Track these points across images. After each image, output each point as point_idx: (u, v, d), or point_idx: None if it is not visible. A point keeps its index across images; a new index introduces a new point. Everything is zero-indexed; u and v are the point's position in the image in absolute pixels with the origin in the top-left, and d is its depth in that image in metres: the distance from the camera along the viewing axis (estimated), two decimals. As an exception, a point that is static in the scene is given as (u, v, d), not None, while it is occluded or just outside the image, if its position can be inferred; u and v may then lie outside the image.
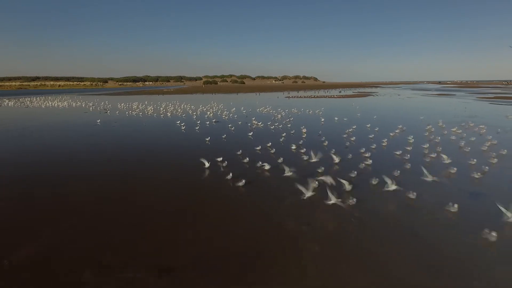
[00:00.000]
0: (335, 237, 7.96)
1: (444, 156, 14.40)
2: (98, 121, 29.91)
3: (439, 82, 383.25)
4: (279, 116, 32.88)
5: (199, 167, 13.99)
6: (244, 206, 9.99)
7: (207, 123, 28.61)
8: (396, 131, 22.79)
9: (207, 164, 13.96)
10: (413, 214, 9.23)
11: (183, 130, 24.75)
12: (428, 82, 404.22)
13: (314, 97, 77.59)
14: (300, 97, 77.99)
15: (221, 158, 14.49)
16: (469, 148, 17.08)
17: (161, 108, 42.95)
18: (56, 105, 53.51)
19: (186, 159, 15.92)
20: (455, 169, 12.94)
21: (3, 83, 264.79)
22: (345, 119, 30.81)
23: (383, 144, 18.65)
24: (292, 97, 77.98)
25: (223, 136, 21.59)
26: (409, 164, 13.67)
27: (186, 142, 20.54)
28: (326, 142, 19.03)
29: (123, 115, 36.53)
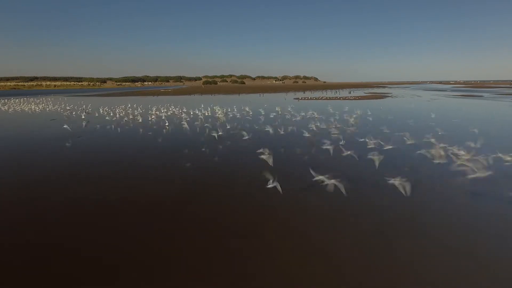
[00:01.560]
0: None
1: None
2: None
3: (441, 82, 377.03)
4: (331, 129, 22.40)
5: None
6: None
7: (210, 137, 20.16)
8: None
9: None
10: None
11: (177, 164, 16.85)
12: (431, 82, 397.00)
13: (325, 98, 69.59)
14: (310, 98, 69.97)
15: None
16: None
17: (151, 113, 34.84)
18: (28, 109, 45.49)
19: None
20: None
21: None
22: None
23: None
24: (301, 98, 69.94)
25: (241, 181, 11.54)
26: None
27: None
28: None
29: (99, 124, 28.68)
